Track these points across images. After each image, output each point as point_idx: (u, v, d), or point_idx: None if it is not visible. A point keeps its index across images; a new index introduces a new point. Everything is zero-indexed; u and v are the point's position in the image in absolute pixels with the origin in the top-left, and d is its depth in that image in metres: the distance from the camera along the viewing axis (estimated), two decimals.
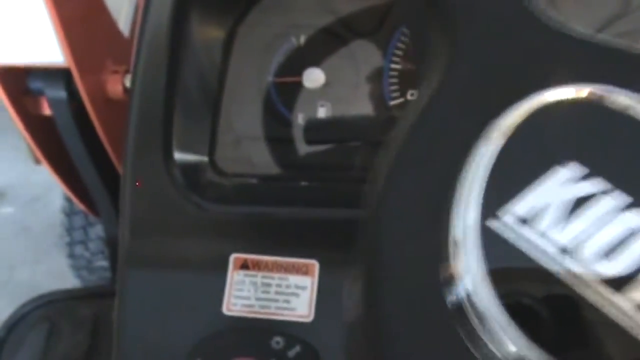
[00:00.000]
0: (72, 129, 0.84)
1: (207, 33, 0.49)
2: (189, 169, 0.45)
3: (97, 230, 1.29)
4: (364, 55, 0.51)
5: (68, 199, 1.31)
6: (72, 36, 0.73)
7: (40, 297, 0.99)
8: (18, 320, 0.86)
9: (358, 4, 0.51)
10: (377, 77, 0.51)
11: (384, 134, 0.32)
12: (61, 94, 0.80)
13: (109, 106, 0.84)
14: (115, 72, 0.82)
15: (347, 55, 0.50)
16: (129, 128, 0.45)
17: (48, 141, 0.88)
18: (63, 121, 0.83)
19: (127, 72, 0.83)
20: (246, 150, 0.48)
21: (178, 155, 0.45)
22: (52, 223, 1.73)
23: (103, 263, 1.31)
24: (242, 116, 0.49)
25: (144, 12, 0.48)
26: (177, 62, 0.46)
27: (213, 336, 0.39)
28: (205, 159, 0.48)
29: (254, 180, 0.47)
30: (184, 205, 0.43)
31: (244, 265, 0.42)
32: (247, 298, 0.41)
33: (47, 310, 0.87)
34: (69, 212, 1.30)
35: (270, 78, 0.50)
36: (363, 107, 0.49)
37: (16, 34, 0.73)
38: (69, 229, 1.31)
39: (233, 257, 0.42)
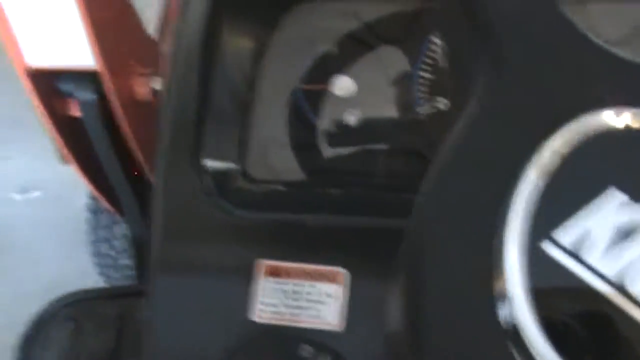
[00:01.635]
0: (100, 130, 0.85)
1: (238, 41, 0.50)
2: (219, 176, 0.45)
3: (122, 228, 1.30)
4: (392, 63, 0.51)
5: (93, 198, 1.33)
6: (103, 40, 0.75)
7: (67, 296, 1.00)
8: (46, 319, 0.87)
9: (387, 11, 0.51)
10: (405, 84, 0.50)
11: (412, 141, 0.32)
12: (91, 96, 0.81)
13: (136, 108, 0.85)
14: (143, 74, 0.83)
15: (375, 63, 0.51)
16: (160, 134, 0.45)
17: (75, 141, 0.89)
18: (92, 122, 0.84)
19: (154, 74, 0.84)
20: (275, 157, 0.48)
21: (208, 162, 0.45)
22: (78, 220, 1.75)
23: (128, 262, 1.32)
24: (271, 123, 0.49)
25: (177, 20, 0.48)
26: (208, 70, 0.46)
27: (242, 343, 0.40)
28: (234, 165, 0.48)
29: (282, 187, 0.48)
30: (213, 211, 0.44)
31: (273, 272, 0.42)
32: (275, 305, 0.41)
33: (73, 309, 0.88)
34: (94, 210, 1.32)
35: (299, 85, 0.50)
36: (391, 113, 0.49)
37: (49, 37, 0.74)
38: (95, 227, 1.32)
39: (261, 263, 0.42)
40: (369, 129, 0.49)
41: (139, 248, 1.11)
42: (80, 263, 1.63)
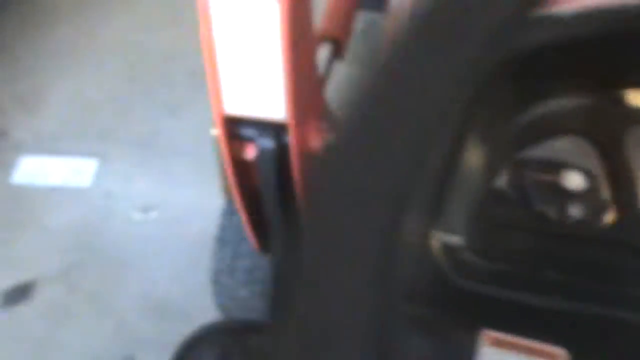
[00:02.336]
0: (272, 176, 0.92)
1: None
2: (448, 248, 0.50)
3: (246, 262, 1.36)
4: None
5: (222, 229, 1.40)
6: (296, 95, 0.82)
7: (216, 323, 1.07)
8: (196, 342, 0.94)
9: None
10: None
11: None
12: (271, 144, 0.88)
13: (306, 159, 0.91)
14: (319, 129, 0.90)
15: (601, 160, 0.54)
16: None
17: (242, 179, 0.96)
18: (266, 168, 0.91)
19: (328, 130, 0.90)
20: (503, 236, 0.52)
21: (439, 233, 0.50)
22: (191, 243, 1.85)
23: (245, 293, 1.38)
24: (500, 204, 0.53)
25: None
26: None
27: None
28: (461, 239, 0.52)
29: (508, 265, 0.52)
30: (442, 278, 0.48)
31: (495, 343, 0.46)
32: None
33: (221, 336, 0.94)
34: (221, 241, 1.38)
35: (529, 173, 0.55)
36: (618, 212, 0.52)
37: (250, 89, 0.82)
38: (219, 258, 1.38)
39: (484, 333, 0.47)
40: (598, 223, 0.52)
41: (280, 286, 1.17)
42: (190, 286, 1.71)
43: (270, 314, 1.16)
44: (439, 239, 0.50)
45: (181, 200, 1.90)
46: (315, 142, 0.90)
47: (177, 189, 1.93)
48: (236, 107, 0.84)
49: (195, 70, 2.26)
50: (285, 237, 1.01)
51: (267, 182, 0.93)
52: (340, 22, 0.96)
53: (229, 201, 1.38)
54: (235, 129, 0.89)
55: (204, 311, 1.65)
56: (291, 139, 0.85)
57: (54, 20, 2.44)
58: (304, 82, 0.83)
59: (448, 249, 0.49)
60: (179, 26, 2.43)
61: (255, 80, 0.81)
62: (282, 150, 0.89)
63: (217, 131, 0.89)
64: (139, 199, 1.89)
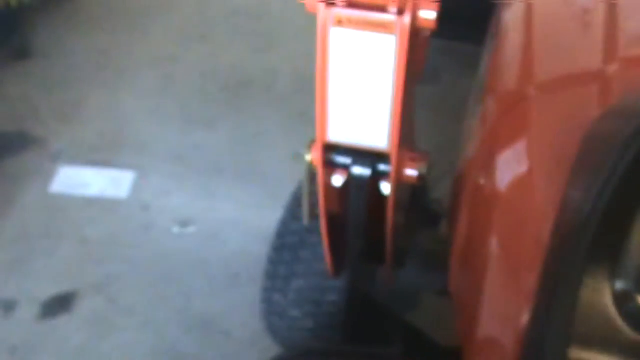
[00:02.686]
0: (362, 203, 0.93)
1: None
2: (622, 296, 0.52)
3: (299, 283, 1.36)
4: None
5: (275, 249, 1.40)
6: (400, 125, 0.83)
7: (301, 348, 1.08)
8: None
9: None
10: None
11: None
12: (366, 172, 0.90)
13: (398, 187, 0.93)
14: (414, 159, 0.91)
15: None
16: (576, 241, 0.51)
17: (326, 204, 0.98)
18: (358, 195, 0.92)
19: (421, 160, 0.92)
20: None
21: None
22: (228, 260, 1.85)
23: (297, 314, 1.38)
24: None
25: None
26: None
27: None
28: (632, 287, 0.53)
29: None
30: (622, 330, 0.50)
31: None
32: None
33: None
34: (275, 261, 1.39)
35: None
36: None
37: (356, 119, 0.83)
38: (272, 277, 1.39)
39: None
40: None
41: (350, 306, 1.18)
42: (229, 302, 1.72)
43: (341, 338, 1.16)
44: (613, 285, 0.51)
45: (219, 215, 1.90)
46: (411, 172, 0.91)
47: (215, 203, 1.93)
48: (340, 135, 0.85)
49: (228, 85, 2.28)
50: (359, 259, 1.02)
51: (356, 209, 0.94)
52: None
53: (284, 222, 1.39)
54: (331, 155, 0.91)
55: (243, 327, 1.66)
56: (393, 169, 0.86)
57: (90, 30, 2.45)
58: (406, 113, 0.85)
59: (621, 297, 0.51)
60: (211, 42, 2.45)
61: (361, 110, 0.82)
62: (374, 179, 0.91)
63: (312, 156, 0.90)
64: (176, 213, 1.90)
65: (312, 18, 0.78)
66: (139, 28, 2.47)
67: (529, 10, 0.94)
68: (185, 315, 1.67)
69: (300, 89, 2.25)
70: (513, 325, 0.65)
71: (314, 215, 1.02)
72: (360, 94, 0.81)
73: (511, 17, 0.99)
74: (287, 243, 1.36)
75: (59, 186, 1.94)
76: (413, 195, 1.23)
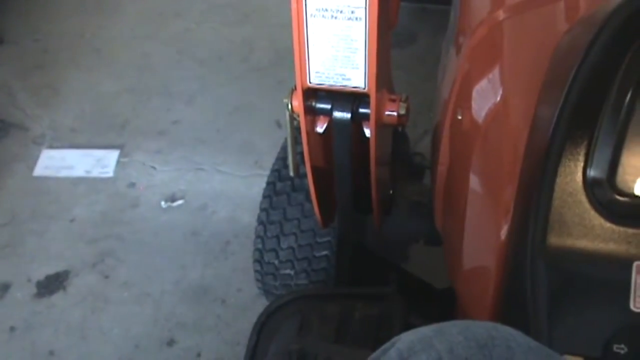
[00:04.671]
0: (346, 146, 0.96)
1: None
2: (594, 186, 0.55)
3: (290, 241, 1.38)
4: None
5: (264, 210, 1.42)
6: (376, 66, 0.85)
7: (296, 291, 1.10)
8: (276, 309, 0.97)
9: None
10: None
11: None
12: (347, 116, 0.92)
13: (380, 129, 0.95)
14: (393, 100, 0.94)
15: None
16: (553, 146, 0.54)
17: (311, 154, 1.00)
18: (341, 139, 0.94)
19: (403, 100, 0.94)
20: None
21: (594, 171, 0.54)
22: (218, 230, 1.87)
23: (289, 271, 1.40)
24: None
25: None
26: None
27: (626, 327, 0.48)
28: (604, 177, 0.56)
29: None
30: (594, 217, 0.53)
31: None
32: None
33: (300, 303, 0.98)
34: (265, 222, 1.41)
35: None
36: None
37: (334, 61, 0.85)
38: (263, 237, 1.41)
39: (636, 264, 0.51)
40: None
41: (342, 254, 1.21)
42: (222, 270, 1.74)
43: (337, 281, 1.19)
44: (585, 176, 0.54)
45: (206, 187, 1.92)
46: (390, 112, 0.93)
47: (201, 176, 1.95)
48: (319, 78, 0.87)
49: (205, 60, 2.28)
50: (350, 205, 1.05)
51: (341, 153, 0.96)
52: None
53: (270, 183, 1.41)
54: (312, 102, 0.92)
55: (238, 293, 1.68)
56: (372, 110, 0.89)
57: (63, 13, 2.43)
58: (383, 54, 0.87)
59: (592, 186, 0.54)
60: (186, 18, 2.44)
61: (339, 52, 0.84)
62: (356, 123, 0.93)
63: (293, 104, 0.92)
64: (163, 188, 1.91)
65: None
66: (112, 9, 2.46)
67: None
68: (180, 286, 1.69)
69: (277, 59, 2.26)
70: (494, 242, 0.68)
71: (298, 171, 1.05)
72: (337, 36, 0.83)
73: None
74: (275, 202, 1.39)
75: (44, 169, 1.94)
76: (396, 149, 1.26)
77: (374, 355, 0.48)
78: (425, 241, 1.39)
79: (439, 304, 1.18)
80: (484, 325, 0.45)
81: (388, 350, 0.47)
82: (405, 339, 0.47)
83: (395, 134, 1.22)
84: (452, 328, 0.46)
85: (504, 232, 0.65)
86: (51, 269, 1.70)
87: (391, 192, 1.26)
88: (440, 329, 0.46)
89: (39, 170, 1.94)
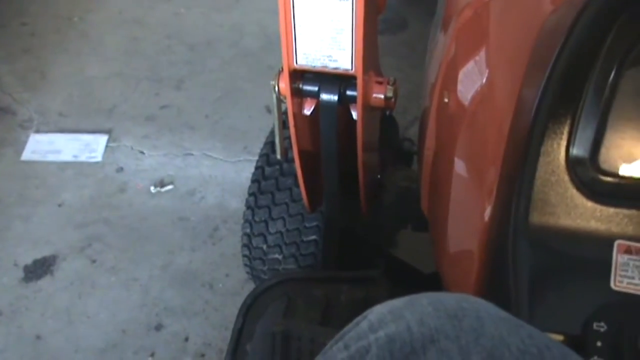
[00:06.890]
0: (332, 129, 0.95)
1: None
2: (580, 165, 0.55)
3: (278, 225, 1.38)
4: None
5: (252, 194, 1.42)
6: (363, 48, 0.85)
7: (282, 274, 1.10)
8: (263, 292, 0.97)
9: None
10: None
11: None
12: (334, 98, 0.91)
13: (368, 111, 0.95)
14: (380, 82, 0.93)
15: None
16: (536, 126, 0.54)
17: (298, 137, 0.99)
18: (328, 121, 0.94)
19: (390, 83, 0.94)
20: (628, 152, 0.56)
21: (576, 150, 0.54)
22: (206, 216, 1.86)
23: (277, 256, 1.40)
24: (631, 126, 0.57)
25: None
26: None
27: (606, 305, 0.48)
28: (586, 156, 0.56)
29: (632, 180, 0.56)
30: (576, 196, 0.53)
31: (627, 251, 0.51)
32: (632, 278, 0.50)
33: (287, 286, 0.98)
34: (254, 206, 1.40)
35: None
36: None
37: (321, 43, 0.85)
38: (251, 222, 1.40)
39: (617, 243, 0.51)
40: None
41: (329, 239, 1.21)
42: (210, 255, 1.74)
43: (324, 265, 1.19)
44: (567, 155, 0.54)
45: (195, 172, 1.91)
46: (377, 95, 0.93)
47: (189, 161, 1.94)
48: (306, 59, 0.86)
49: (194, 44, 2.27)
50: (336, 190, 1.04)
51: (327, 135, 0.96)
52: None
53: (259, 167, 1.41)
54: (299, 84, 0.92)
55: (226, 279, 1.68)
56: (359, 92, 0.88)
57: None
58: (370, 36, 0.86)
59: (574, 166, 0.54)
60: (175, 3, 2.43)
61: (326, 33, 0.84)
62: (343, 105, 0.92)
63: (280, 86, 0.91)
64: (152, 173, 1.90)
65: None
66: None
67: None
68: (168, 271, 1.69)
69: (266, 44, 2.25)
70: (478, 224, 0.68)
71: (286, 155, 1.04)
72: (324, 17, 0.82)
73: None
74: (264, 187, 1.38)
75: (31, 154, 1.93)
76: (385, 134, 1.26)
77: (346, 328, 0.48)
78: (413, 227, 1.39)
79: (426, 288, 1.19)
80: (454, 296, 0.46)
81: (360, 323, 0.47)
82: (376, 311, 0.47)
83: (384, 120, 1.21)
84: (423, 299, 0.46)
85: (487, 214, 0.65)
86: (38, 254, 1.69)
87: (379, 177, 1.26)
88: (410, 301, 0.46)
89: (27, 154, 1.92)
